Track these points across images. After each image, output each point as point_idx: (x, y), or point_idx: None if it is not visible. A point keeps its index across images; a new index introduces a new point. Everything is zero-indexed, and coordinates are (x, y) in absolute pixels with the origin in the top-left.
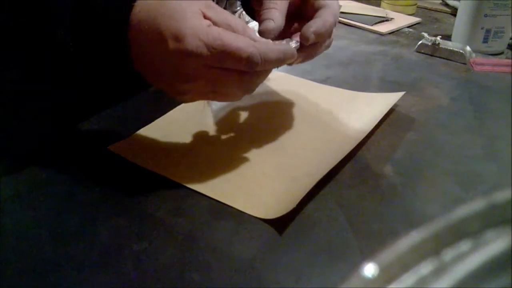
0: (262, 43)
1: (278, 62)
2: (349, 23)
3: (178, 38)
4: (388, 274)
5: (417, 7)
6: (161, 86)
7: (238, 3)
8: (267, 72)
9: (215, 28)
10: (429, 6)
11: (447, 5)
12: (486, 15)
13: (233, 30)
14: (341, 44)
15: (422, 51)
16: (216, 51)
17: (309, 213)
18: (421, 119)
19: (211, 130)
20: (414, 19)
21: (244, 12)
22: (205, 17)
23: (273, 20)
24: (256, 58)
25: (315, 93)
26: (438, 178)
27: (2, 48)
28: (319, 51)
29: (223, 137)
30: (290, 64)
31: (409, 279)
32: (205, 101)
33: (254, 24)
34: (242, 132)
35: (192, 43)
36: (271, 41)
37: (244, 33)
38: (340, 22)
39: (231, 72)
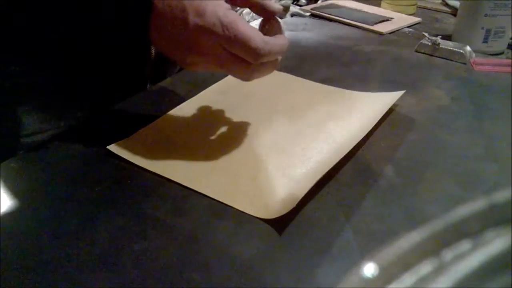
0: (270, 38)
1: (279, 54)
2: (349, 23)
3: (198, 13)
4: (388, 274)
5: (417, 7)
6: (172, 56)
7: None
8: (271, 65)
9: (234, 12)
10: (429, 6)
11: (447, 5)
12: (486, 15)
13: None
14: (341, 44)
15: (422, 51)
16: (229, 34)
17: (309, 213)
18: (421, 119)
19: (211, 130)
20: (414, 19)
21: (244, 12)
22: (226, 1)
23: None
24: (263, 51)
25: (315, 93)
26: (438, 178)
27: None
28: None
29: (223, 137)
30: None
31: (409, 279)
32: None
33: (254, 24)
34: (242, 132)
35: (210, 20)
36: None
37: None
38: (340, 22)
39: (237, 57)
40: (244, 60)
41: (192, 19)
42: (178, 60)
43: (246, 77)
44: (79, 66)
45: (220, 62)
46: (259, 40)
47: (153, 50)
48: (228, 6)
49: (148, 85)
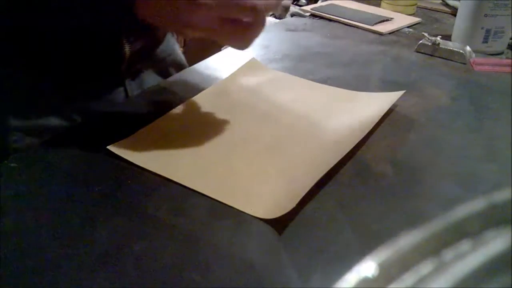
0: None
1: (276, 6)
2: (350, 23)
3: None
4: (389, 273)
5: (417, 7)
6: (169, 31)
7: None
8: (263, 23)
9: None
10: (429, 6)
11: (447, 5)
12: (486, 15)
13: None
14: (341, 44)
15: (422, 51)
16: (220, 3)
17: (309, 213)
18: (421, 119)
19: (211, 130)
20: (414, 19)
21: None
22: None
23: None
24: (259, 6)
25: (315, 93)
26: (438, 178)
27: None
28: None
29: (223, 137)
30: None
31: (409, 279)
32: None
33: None
34: (242, 132)
35: None
36: None
37: None
38: (340, 22)
39: (234, 25)
40: (239, 27)
41: None
42: (176, 34)
43: (244, 44)
44: (75, 64)
45: (216, 33)
46: None
47: (127, 50)
48: None
49: (126, 82)
